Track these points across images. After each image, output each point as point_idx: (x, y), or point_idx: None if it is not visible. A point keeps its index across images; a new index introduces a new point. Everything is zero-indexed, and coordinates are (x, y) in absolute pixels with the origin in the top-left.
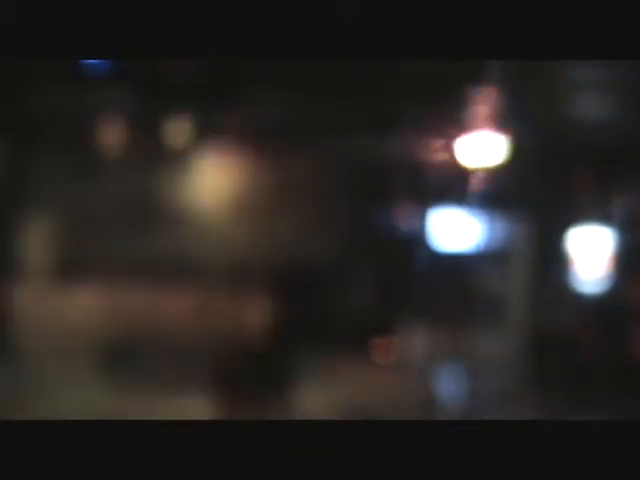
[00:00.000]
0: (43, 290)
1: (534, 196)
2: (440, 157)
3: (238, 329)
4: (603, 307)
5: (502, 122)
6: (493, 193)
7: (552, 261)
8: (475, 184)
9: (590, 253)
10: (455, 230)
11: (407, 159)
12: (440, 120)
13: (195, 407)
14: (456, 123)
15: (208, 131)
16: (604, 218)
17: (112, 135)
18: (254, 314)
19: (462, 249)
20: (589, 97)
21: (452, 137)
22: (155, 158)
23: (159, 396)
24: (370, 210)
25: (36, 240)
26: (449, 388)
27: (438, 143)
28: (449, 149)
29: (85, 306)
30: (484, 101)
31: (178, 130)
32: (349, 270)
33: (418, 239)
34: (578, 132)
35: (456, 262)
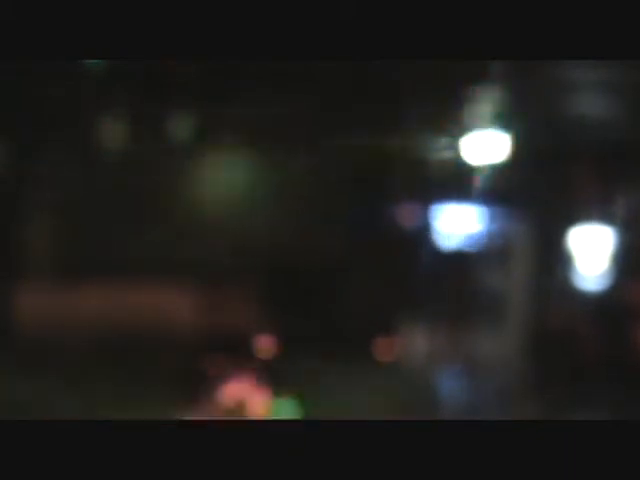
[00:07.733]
0: (45, 290)
1: (536, 194)
2: (443, 155)
3: (238, 329)
4: (604, 304)
5: (504, 121)
6: (495, 191)
7: (554, 259)
8: (477, 182)
9: (591, 251)
10: (457, 228)
11: (410, 158)
12: (443, 119)
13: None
14: (459, 122)
15: (208, 130)
16: (605, 216)
17: (112, 134)
18: (254, 314)
19: (464, 247)
20: (590, 97)
21: (455, 136)
22: (155, 158)
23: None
24: (372, 209)
25: (37, 240)
26: (451, 387)
27: (441, 142)
28: (452, 148)
29: (86, 305)
30: (486, 100)
31: (178, 129)
32: (351, 269)
33: (421, 237)
34: (579, 131)
35: (459, 260)
